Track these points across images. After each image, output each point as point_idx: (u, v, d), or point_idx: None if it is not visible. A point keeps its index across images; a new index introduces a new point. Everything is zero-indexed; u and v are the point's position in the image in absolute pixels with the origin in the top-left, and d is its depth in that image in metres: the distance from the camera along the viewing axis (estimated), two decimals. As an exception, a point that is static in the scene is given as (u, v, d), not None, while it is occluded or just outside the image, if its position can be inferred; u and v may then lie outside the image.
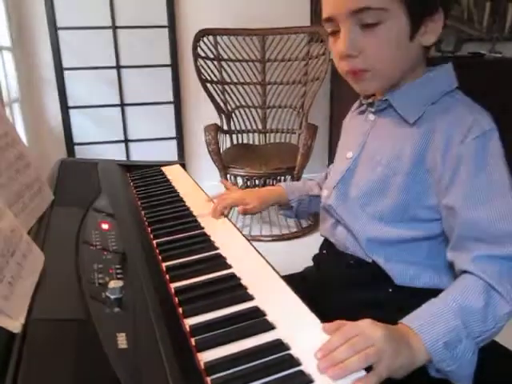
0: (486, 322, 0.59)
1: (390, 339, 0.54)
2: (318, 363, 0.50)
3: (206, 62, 2.58)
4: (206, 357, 0.51)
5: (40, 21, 2.49)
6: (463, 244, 0.66)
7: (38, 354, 0.45)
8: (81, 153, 2.74)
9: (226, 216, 0.94)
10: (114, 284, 0.56)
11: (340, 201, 0.80)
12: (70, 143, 2.72)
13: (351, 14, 0.66)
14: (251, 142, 2.79)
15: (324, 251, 0.89)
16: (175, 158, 2.89)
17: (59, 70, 2.58)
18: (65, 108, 2.65)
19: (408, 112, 0.72)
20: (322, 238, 0.89)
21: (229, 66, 2.64)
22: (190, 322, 0.58)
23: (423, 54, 0.72)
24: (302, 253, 1.00)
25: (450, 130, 0.66)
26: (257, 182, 2.46)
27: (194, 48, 2.51)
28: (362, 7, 0.65)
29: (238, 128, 2.74)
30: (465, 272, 0.64)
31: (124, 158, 2.82)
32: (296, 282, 0.68)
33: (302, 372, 0.49)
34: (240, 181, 2.57)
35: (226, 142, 2.66)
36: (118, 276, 0.61)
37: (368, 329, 0.54)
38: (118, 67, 2.67)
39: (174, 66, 2.72)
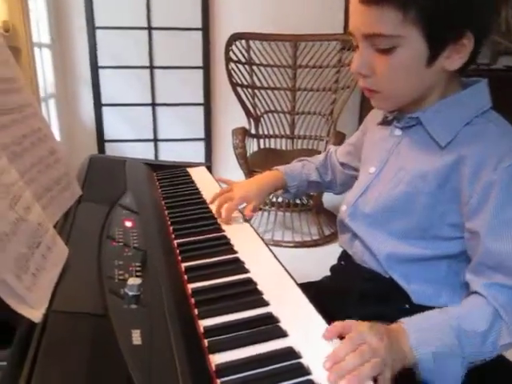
0: (483, 346, 0.59)
1: (391, 349, 0.55)
2: (329, 375, 0.50)
3: (237, 66, 2.60)
4: (217, 359, 0.52)
5: (79, 20, 2.57)
6: (482, 270, 0.65)
7: (55, 344, 0.46)
8: (111, 150, 2.81)
9: (248, 221, 0.95)
10: (132, 281, 0.57)
11: (359, 217, 0.79)
12: (101, 140, 2.78)
13: (365, 37, 0.66)
14: (278, 147, 2.79)
15: (342, 262, 0.88)
16: (202, 159, 2.92)
17: (95, 68, 2.65)
18: (98, 105, 2.72)
19: (440, 134, 0.69)
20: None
21: (260, 70, 2.66)
22: (204, 323, 0.58)
23: (450, 76, 0.68)
24: (322, 261, 1.00)
25: (482, 155, 0.64)
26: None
27: (226, 52, 2.53)
28: (373, 33, 0.64)
29: (265, 133, 2.75)
30: (477, 293, 0.64)
31: (152, 157, 2.87)
32: (312, 290, 0.69)
33: (312, 382, 0.49)
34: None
35: (253, 146, 2.67)
36: (138, 273, 0.62)
37: (370, 336, 0.55)
38: (152, 67, 2.73)
39: (206, 68, 2.76)
